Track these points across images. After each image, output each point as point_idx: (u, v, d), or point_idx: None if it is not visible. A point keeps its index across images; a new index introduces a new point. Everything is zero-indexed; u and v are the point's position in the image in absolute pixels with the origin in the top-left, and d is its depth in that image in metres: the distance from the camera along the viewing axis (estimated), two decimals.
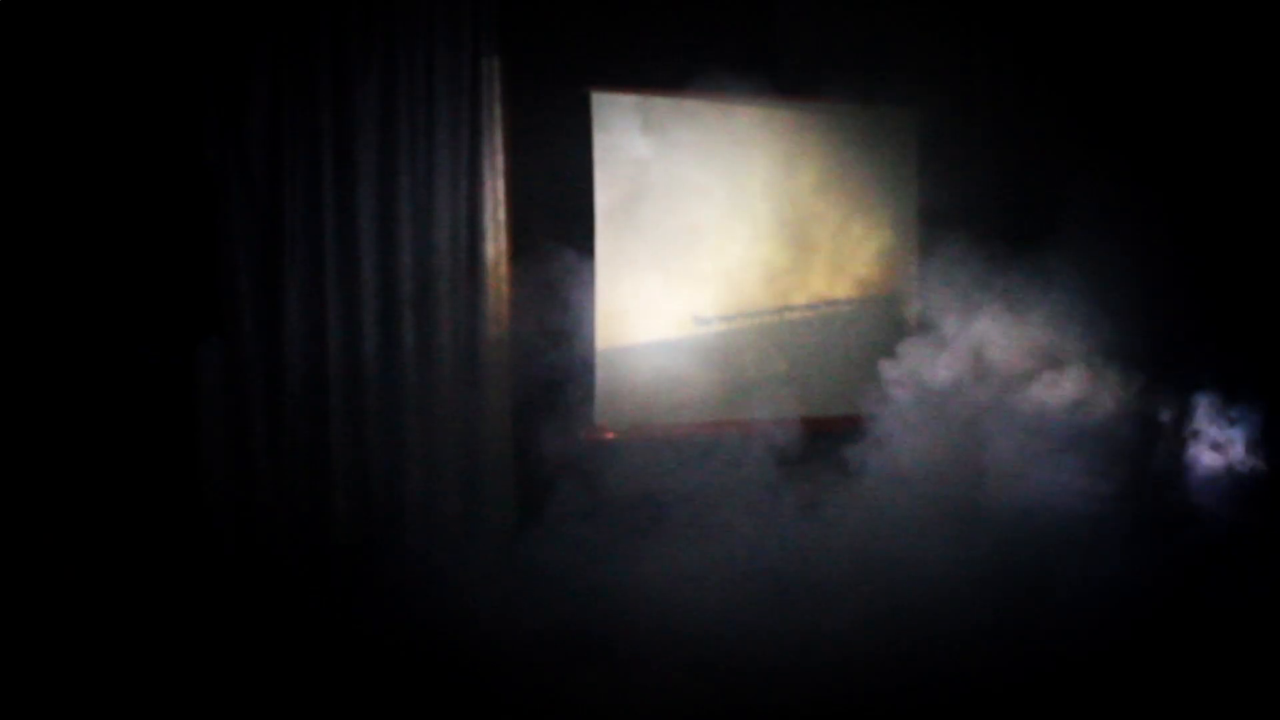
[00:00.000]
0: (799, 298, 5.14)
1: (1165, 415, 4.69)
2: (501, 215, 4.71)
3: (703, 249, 4.93)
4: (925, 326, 5.02)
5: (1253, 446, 4.62)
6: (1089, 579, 4.15)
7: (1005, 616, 4.00)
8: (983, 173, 5.51)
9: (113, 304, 4.09)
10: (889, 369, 4.81)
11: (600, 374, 4.77)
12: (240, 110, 4.28)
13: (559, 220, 4.76)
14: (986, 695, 3.60)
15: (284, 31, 4.33)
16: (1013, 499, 4.54)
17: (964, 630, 3.91)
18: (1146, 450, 4.70)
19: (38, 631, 3.66)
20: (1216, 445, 4.67)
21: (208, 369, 4.26)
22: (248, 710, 3.56)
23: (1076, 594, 4.10)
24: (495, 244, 4.69)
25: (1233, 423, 4.65)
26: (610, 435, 4.76)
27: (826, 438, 4.77)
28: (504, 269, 4.72)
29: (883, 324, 5.26)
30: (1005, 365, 4.79)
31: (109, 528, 3.97)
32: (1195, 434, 4.73)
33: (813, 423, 4.84)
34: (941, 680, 3.68)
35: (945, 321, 4.89)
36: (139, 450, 4.10)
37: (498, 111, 4.70)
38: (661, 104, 4.87)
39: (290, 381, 4.38)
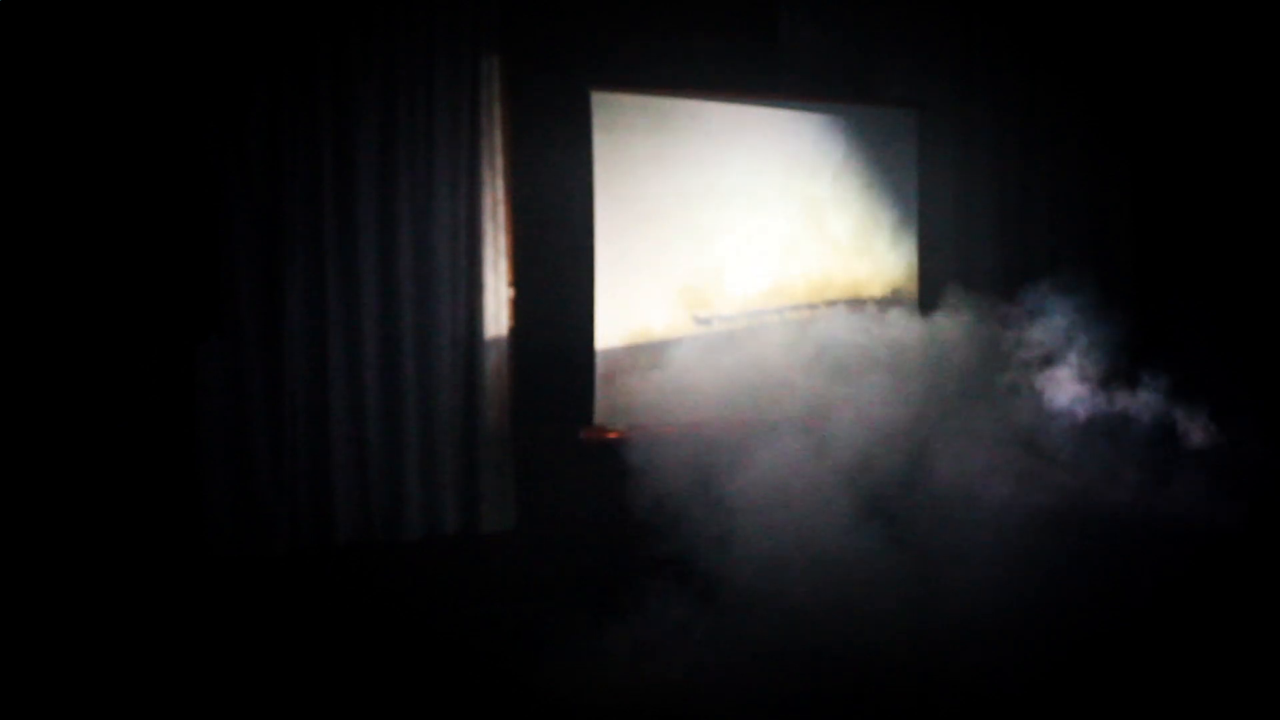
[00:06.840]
0: (799, 298, 5.14)
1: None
2: (501, 215, 4.72)
3: (703, 249, 4.93)
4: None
5: None
6: None
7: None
8: (983, 173, 5.52)
9: (114, 303, 4.10)
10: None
11: (600, 374, 4.77)
12: (240, 110, 4.29)
13: (559, 220, 4.75)
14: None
15: (284, 31, 4.33)
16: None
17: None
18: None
19: (36, 632, 3.66)
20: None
21: (208, 369, 4.27)
22: (247, 712, 3.56)
23: None
24: (495, 244, 4.70)
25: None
26: (610, 435, 4.76)
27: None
28: (504, 269, 4.72)
29: (883, 324, 5.25)
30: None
31: (108, 528, 3.98)
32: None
33: (813, 422, 4.83)
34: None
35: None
36: (138, 450, 4.11)
37: (498, 111, 4.70)
38: (662, 103, 4.87)
39: (290, 381, 4.39)
